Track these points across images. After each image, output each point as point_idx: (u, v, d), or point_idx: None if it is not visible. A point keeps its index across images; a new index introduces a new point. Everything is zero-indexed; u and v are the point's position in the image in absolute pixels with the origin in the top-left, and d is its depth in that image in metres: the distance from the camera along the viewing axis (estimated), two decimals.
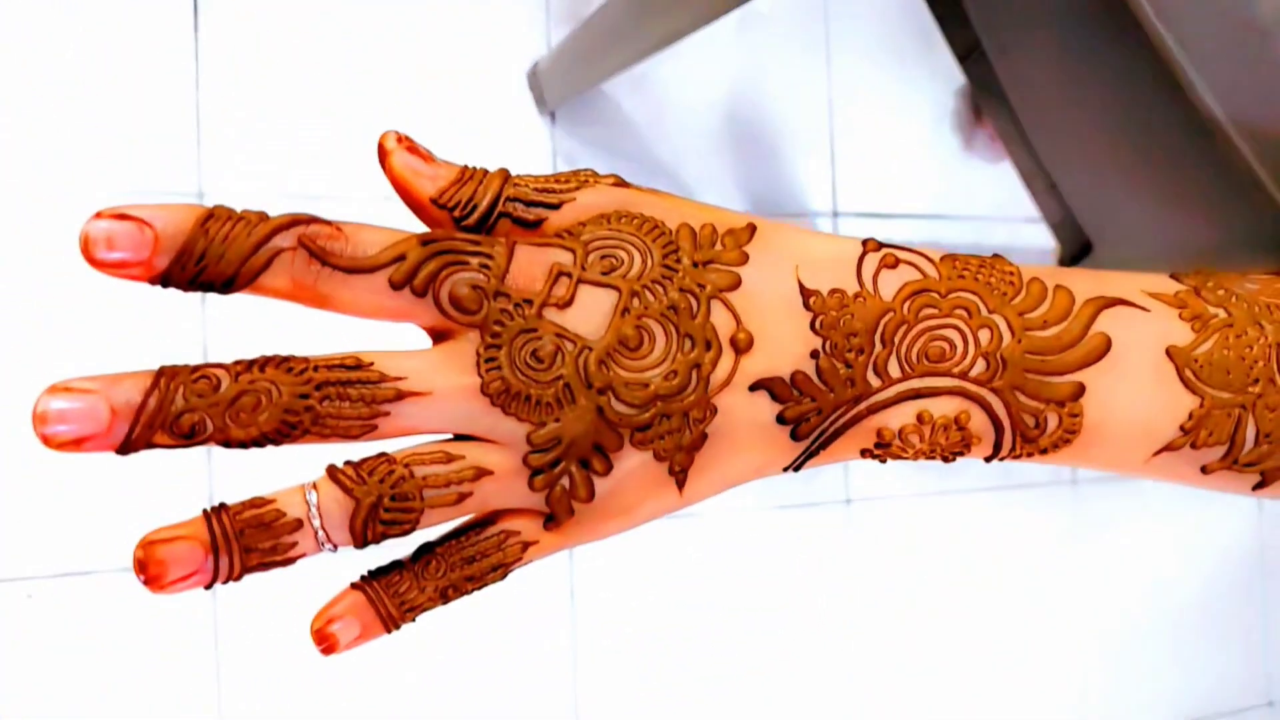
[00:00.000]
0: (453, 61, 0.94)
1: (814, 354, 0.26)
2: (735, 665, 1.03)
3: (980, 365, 0.27)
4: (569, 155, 0.97)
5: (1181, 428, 0.29)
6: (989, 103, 0.62)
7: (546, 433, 0.24)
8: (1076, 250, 0.66)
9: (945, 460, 0.29)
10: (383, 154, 0.26)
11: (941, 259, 0.28)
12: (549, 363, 0.24)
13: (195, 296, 0.82)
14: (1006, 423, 0.28)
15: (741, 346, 0.26)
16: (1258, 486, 0.31)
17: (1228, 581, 1.32)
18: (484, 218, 0.26)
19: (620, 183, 0.28)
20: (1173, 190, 0.51)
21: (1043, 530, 1.18)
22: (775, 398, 0.26)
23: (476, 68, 0.95)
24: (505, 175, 0.27)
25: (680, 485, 0.26)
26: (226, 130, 0.88)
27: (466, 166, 0.27)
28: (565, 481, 0.25)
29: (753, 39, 1.05)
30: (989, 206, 1.09)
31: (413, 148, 0.27)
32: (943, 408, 0.27)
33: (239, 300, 0.25)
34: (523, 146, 0.95)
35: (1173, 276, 0.31)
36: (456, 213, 0.26)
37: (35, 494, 0.81)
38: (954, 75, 1.07)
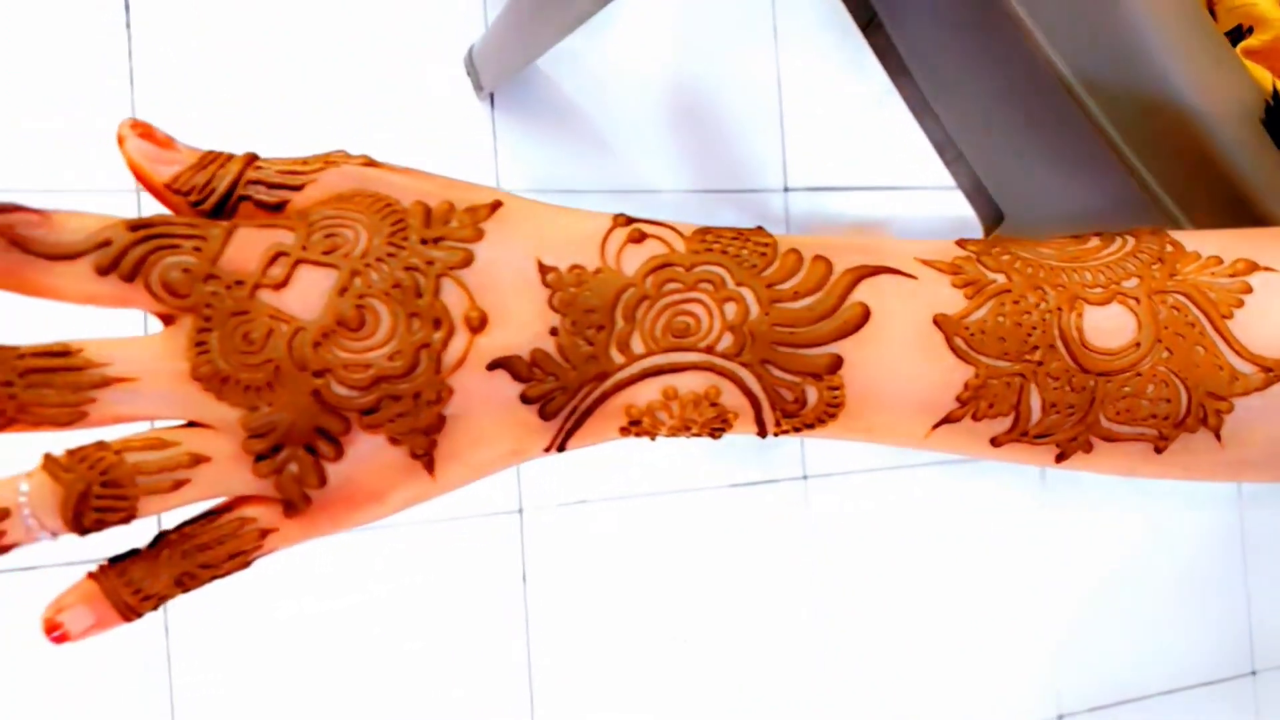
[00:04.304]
0: (391, 49, 0.94)
1: (554, 331, 0.26)
2: (693, 646, 1.03)
3: (728, 339, 0.26)
4: (510, 137, 0.96)
5: (958, 399, 0.28)
6: (892, 70, 0.61)
7: (259, 417, 0.24)
8: (991, 218, 0.65)
9: (712, 436, 0.28)
10: (119, 141, 0.26)
11: (693, 233, 0.27)
12: (260, 345, 0.24)
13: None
14: (762, 397, 0.27)
15: (474, 325, 0.25)
16: (1059, 459, 0.30)
17: (1208, 550, 1.30)
18: (222, 201, 0.26)
19: (370, 162, 0.27)
20: (1054, 154, 0.50)
21: (1009, 502, 1.17)
22: (516, 377, 0.26)
23: (415, 54, 0.94)
24: (249, 158, 0.27)
25: (429, 469, 0.26)
26: (162, 124, 0.88)
27: (210, 151, 0.27)
28: (293, 467, 0.25)
29: (698, 14, 1.04)
30: (942, 178, 1.08)
31: (147, 133, 0.26)
32: (690, 383, 0.27)
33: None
34: (463, 131, 0.95)
35: (958, 243, 0.30)
36: (192, 197, 0.26)
37: None
38: None
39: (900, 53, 0.58)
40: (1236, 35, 0.41)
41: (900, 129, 1.09)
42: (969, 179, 0.63)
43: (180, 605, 0.86)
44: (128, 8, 0.87)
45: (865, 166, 1.08)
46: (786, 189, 1.05)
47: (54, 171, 0.85)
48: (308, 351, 0.24)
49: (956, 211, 1.10)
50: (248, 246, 0.25)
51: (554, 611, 0.97)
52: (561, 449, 0.28)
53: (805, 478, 1.06)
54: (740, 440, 1.02)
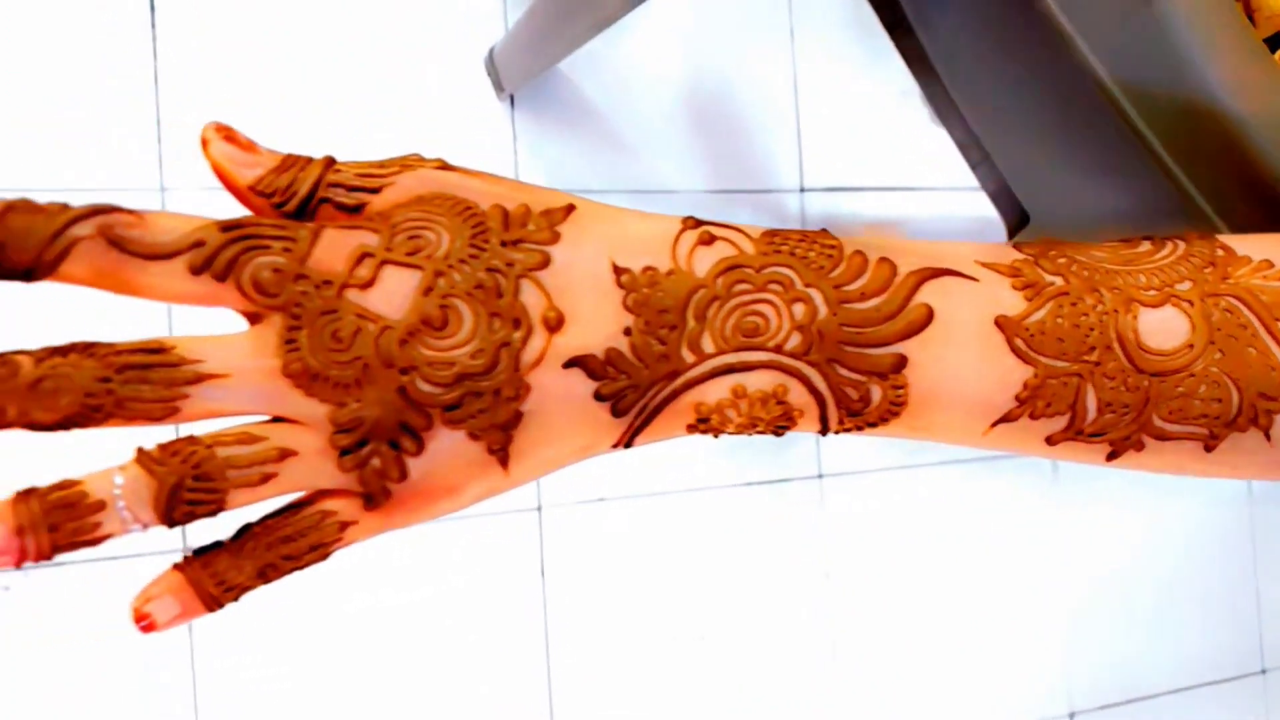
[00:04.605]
0: (411, 49, 0.94)
1: (627, 331, 0.27)
2: (709, 645, 1.03)
3: (795, 339, 0.27)
4: (530, 139, 0.97)
5: (1016, 398, 0.29)
6: (919, 73, 0.61)
7: (347, 413, 0.25)
8: (1015, 220, 0.66)
9: (776, 434, 0.29)
10: (203, 145, 0.27)
11: (761, 235, 0.28)
12: (349, 343, 0.25)
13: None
14: (828, 395, 0.28)
15: (552, 324, 0.26)
16: (1110, 457, 0.31)
17: (1219, 549, 1.31)
18: (303, 203, 0.27)
19: (444, 166, 0.28)
20: (1085, 158, 0.50)
21: (1021, 501, 1.18)
22: (590, 375, 0.27)
23: (435, 55, 0.95)
24: (328, 161, 0.27)
25: (504, 464, 0.27)
26: (186, 123, 0.88)
27: (290, 154, 0.27)
28: (376, 461, 0.25)
29: (715, 15, 1.04)
30: (957, 178, 1.08)
31: (231, 137, 0.27)
32: (758, 382, 0.27)
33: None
34: (483, 132, 0.96)
35: (1015, 245, 0.31)
36: (275, 199, 0.27)
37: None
38: None
39: (929, 55, 0.59)
40: (1275, 42, 0.42)
41: (917, 129, 1.10)
42: (994, 181, 0.64)
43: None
44: (153, 8, 0.87)
45: (882, 167, 1.09)
46: (803, 189, 1.06)
47: (72, 170, 0.85)
48: (394, 349, 0.25)
49: (974, 212, 1.11)
50: (334, 247, 0.25)
51: (572, 606, 0.98)
52: (629, 445, 0.28)
53: (820, 476, 1.06)
54: (756, 440, 1.02)
